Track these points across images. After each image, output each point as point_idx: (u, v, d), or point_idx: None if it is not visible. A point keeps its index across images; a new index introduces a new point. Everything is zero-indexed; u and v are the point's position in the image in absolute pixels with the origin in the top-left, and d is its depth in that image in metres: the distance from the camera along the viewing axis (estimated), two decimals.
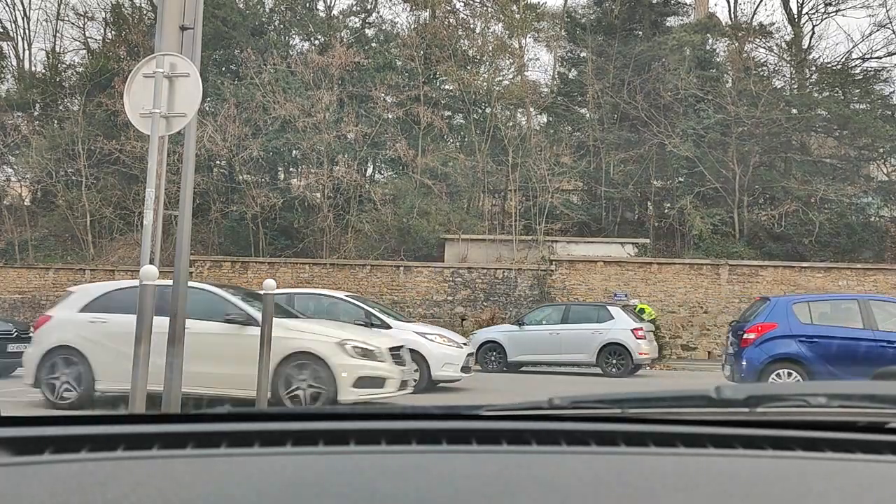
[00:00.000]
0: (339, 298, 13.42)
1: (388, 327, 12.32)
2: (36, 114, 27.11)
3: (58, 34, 28.91)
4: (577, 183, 26.23)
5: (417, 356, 11.78)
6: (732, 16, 28.95)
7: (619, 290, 21.01)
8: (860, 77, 26.16)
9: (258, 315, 8.67)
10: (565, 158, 24.88)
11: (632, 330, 16.17)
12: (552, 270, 21.34)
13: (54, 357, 9.72)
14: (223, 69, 25.63)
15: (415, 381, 10.82)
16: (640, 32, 26.38)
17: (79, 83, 26.85)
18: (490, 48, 26.42)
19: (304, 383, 9.00)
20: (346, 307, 12.99)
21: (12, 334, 13.19)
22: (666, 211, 24.73)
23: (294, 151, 24.75)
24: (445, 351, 12.39)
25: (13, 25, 28.65)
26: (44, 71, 28.55)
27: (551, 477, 0.96)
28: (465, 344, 13.30)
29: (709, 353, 20.80)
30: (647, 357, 16.35)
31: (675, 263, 21.42)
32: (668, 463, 1.02)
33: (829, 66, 26.46)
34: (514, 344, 16.74)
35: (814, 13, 26.99)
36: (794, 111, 25.01)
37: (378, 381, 9.29)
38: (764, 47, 27.10)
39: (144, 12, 27.17)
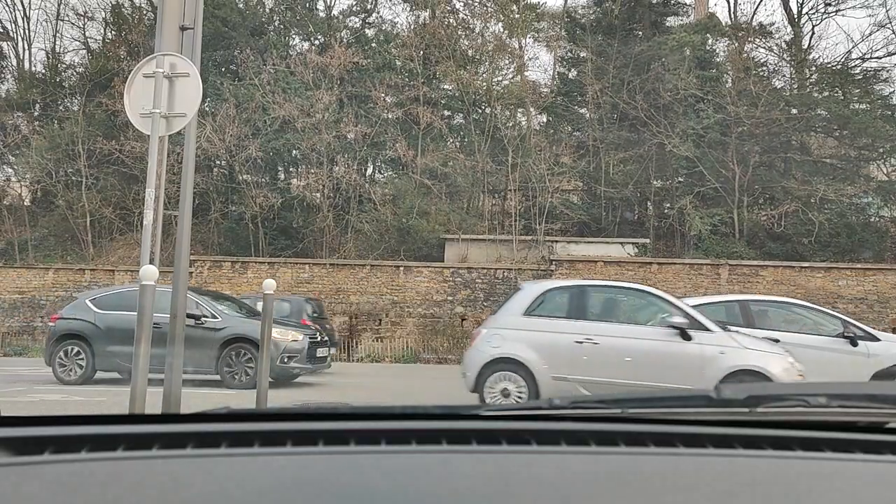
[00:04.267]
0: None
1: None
2: (36, 114, 27.10)
3: (58, 34, 28.97)
4: (577, 183, 26.22)
5: None
6: (732, 16, 28.97)
7: None
8: (860, 77, 26.14)
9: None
10: (565, 158, 24.87)
11: None
12: (552, 270, 21.34)
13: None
14: (223, 69, 25.63)
15: None
16: (640, 32, 26.37)
17: (79, 83, 26.84)
18: (489, 48, 26.42)
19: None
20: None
21: (316, 338, 13.14)
22: (666, 211, 24.73)
23: (294, 151, 24.76)
24: None
25: (13, 25, 28.68)
26: (44, 71, 28.56)
27: (551, 477, 0.96)
28: None
29: None
30: None
31: (675, 263, 21.42)
32: (668, 463, 1.02)
33: (829, 66, 26.45)
34: None
35: (814, 13, 27.02)
36: (794, 111, 25.00)
37: None
38: (764, 47, 27.11)
39: (144, 12, 27.16)
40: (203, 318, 12.25)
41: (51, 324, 13.41)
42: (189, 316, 11.77)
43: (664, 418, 1.16)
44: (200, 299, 12.74)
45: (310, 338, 12.92)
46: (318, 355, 13.02)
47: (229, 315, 12.74)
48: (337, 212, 23.65)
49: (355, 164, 23.97)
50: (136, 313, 12.23)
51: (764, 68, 26.55)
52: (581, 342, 8.82)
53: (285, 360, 12.30)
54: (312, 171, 24.15)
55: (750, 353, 8.53)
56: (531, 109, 26.98)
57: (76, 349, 12.71)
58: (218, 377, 12.17)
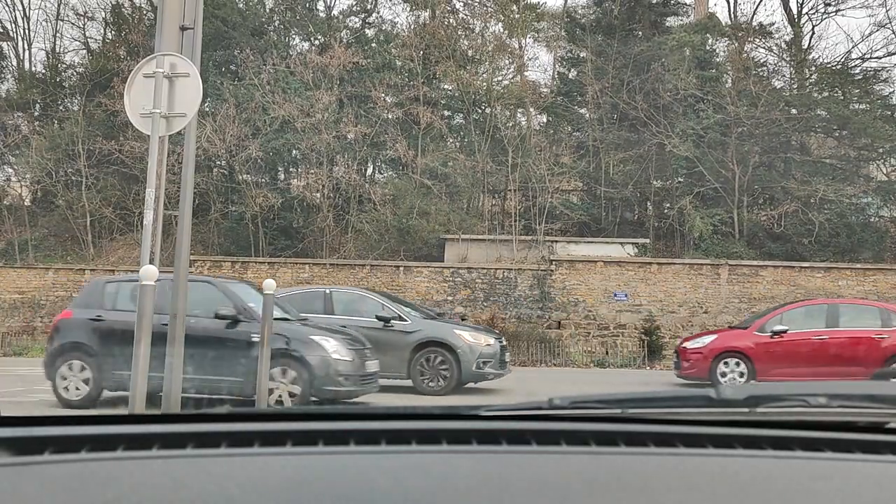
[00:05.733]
0: None
1: None
2: (36, 114, 27.09)
3: (58, 34, 28.89)
4: (577, 183, 26.23)
5: None
6: (732, 16, 28.97)
7: (619, 290, 21.02)
8: (860, 77, 26.15)
9: None
10: (565, 158, 24.88)
11: None
12: (552, 270, 21.34)
13: None
14: (223, 69, 25.62)
15: None
16: (640, 32, 26.37)
17: (79, 83, 26.83)
18: (489, 48, 26.42)
19: None
20: None
21: (503, 342, 12.59)
22: (666, 211, 24.73)
23: (294, 151, 24.75)
24: None
25: (13, 25, 28.64)
26: (44, 71, 28.53)
27: (551, 477, 0.96)
28: None
29: None
30: None
31: (674, 263, 21.42)
32: (668, 463, 1.02)
33: (829, 66, 26.46)
34: None
35: (814, 13, 27.02)
36: (794, 111, 25.00)
37: None
38: (764, 47, 27.11)
39: (144, 12, 27.15)
40: (392, 321, 11.70)
41: None
42: (378, 318, 11.51)
43: (664, 418, 1.16)
44: (385, 301, 12.17)
45: (499, 342, 12.48)
46: (505, 359, 12.56)
47: (417, 317, 12.23)
48: (337, 212, 23.65)
49: (355, 164, 23.97)
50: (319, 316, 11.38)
51: (764, 68, 26.56)
52: None
53: (481, 365, 11.81)
54: (312, 171, 24.14)
55: None
56: (531, 109, 26.98)
57: None
58: (409, 382, 11.67)
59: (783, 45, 27.06)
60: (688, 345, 14.58)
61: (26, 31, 29.18)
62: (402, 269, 21.64)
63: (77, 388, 9.80)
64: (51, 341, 10.30)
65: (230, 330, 9.36)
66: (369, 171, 26.51)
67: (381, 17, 28.51)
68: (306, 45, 27.39)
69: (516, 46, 27.35)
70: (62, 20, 28.61)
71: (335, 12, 28.19)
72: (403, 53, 25.22)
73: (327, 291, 12.71)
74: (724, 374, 13.52)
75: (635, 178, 24.05)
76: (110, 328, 9.72)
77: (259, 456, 0.99)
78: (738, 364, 13.56)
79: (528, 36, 27.85)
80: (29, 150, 24.24)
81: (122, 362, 9.11)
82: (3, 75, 28.70)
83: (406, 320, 11.86)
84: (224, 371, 9.10)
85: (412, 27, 26.67)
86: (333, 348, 9.18)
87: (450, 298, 21.30)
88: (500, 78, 26.91)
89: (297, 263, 21.99)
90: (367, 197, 23.66)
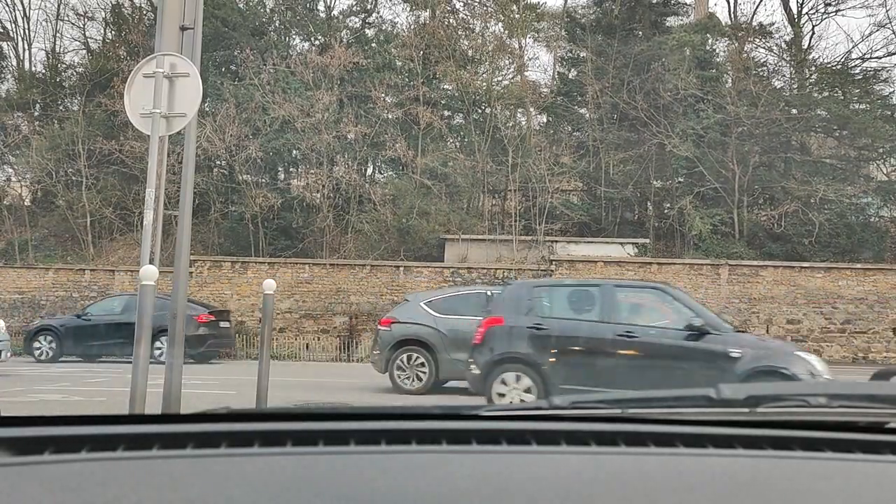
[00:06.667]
0: None
1: None
2: (36, 114, 27.12)
3: (58, 34, 28.96)
4: (577, 183, 26.23)
5: None
6: (732, 16, 28.98)
7: None
8: (860, 77, 26.16)
9: None
10: (565, 158, 24.88)
11: None
12: (552, 270, 21.33)
13: None
14: (223, 69, 25.63)
15: None
16: (640, 32, 26.37)
17: (79, 83, 26.87)
18: (489, 48, 26.43)
19: None
20: None
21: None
22: (666, 211, 24.73)
23: (294, 152, 24.77)
24: None
25: (13, 25, 28.66)
26: (44, 71, 28.57)
27: (551, 477, 0.96)
28: None
29: None
30: None
31: (675, 263, 21.41)
32: (668, 463, 1.02)
33: (829, 66, 26.47)
34: None
35: (814, 13, 27.03)
36: (794, 111, 25.01)
37: None
38: (764, 47, 27.13)
39: (144, 12, 27.18)
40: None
41: (382, 328, 12.45)
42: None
43: (664, 418, 1.16)
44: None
45: None
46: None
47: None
48: (337, 212, 23.65)
49: (355, 164, 23.98)
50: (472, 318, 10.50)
51: (764, 68, 26.57)
52: None
53: None
54: (312, 171, 24.16)
55: None
56: (531, 109, 26.99)
57: (418, 357, 11.95)
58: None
59: (783, 45, 27.08)
60: None
61: (26, 31, 29.23)
62: (402, 269, 21.64)
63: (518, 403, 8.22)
64: (482, 350, 9.11)
65: (700, 344, 8.11)
66: (369, 171, 26.53)
67: (381, 17, 28.59)
68: (306, 45, 27.41)
69: (516, 46, 27.37)
70: (62, 20, 28.69)
71: (335, 12, 28.24)
72: (403, 53, 25.23)
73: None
74: None
75: (635, 178, 24.06)
76: (553, 338, 8.79)
77: (259, 456, 0.99)
78: None
79: (528, 36, 27.87)
80: (29, 150, 24.25)
81: (574, 376, 8.38)
82: (3, 75, 28.73)
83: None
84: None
85: (412, 27, 26.69)
86: (817, 363, 7.90)
87: None
88: (500, 78, 26.95)
89: (297, 263, 21.98)
90: (367, 197, 23.67)
